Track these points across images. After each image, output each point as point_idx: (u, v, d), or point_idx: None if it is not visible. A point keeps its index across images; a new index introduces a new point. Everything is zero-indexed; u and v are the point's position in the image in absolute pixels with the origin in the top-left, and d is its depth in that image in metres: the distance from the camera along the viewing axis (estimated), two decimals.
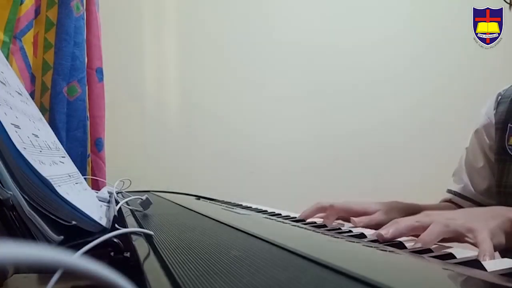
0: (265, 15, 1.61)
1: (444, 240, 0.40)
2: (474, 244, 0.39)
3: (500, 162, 0.72)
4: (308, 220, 0.60)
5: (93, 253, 0.24)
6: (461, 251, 0.36)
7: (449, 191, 0.82)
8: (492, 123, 0.75)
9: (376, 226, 0.57)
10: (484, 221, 0.42)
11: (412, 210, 0.65)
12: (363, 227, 0.56)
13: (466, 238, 0.39)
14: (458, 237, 0.40)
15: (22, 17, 0.90)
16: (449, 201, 0.81)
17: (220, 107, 1.54)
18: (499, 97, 0.76)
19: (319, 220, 0.61)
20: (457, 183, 0.81)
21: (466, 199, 0.79)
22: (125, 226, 0.36)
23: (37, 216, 0.28)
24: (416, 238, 0.41)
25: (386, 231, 0.41)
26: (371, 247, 0.33)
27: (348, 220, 0.61)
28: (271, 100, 1.59)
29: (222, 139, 1.53)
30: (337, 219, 0.63)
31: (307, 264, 0.22)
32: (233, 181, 1.50)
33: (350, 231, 0.47)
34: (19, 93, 0.42)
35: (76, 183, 0.42)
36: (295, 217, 0.63)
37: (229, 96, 1.56)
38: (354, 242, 0.35)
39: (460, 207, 0.80)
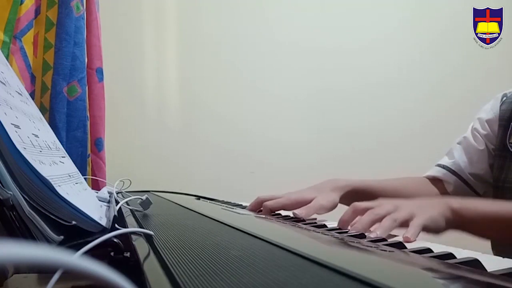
0: (265, 16, 1.61)
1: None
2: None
3: (500, 158, 0.73)
4: (309, 220, 0.61)
5: (93, 253, 0.24)
6: (461, 251, 0.36)
7: (439, 165, 0.83)
8: (496, 118, 0.77)
9: (318, 212, 0.62)
10: (426, 208, 0.50)
11: (352, 187, 0.69)
12: (305, 217, 0.59)
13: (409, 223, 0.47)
14: (404, 224, 0.48)
15: (22, 17, 0.90)
16: (433, 176, 0.82)
17: (220, 107, 1.54)
18: (504, 97, 0.78)
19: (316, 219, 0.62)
20: (449, 158, 0.82)
21: (454, 174, 0.80)
22: (125, 226, 0.36)
23: (37, 216, 0.28)
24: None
25: (356, 230, 0.47)
26: (371, 247, 0.33)
27: (288, 209, 0.65)
28: (271, 100, 1.59)
29: (222, 139, 1.53)
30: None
31: (307, 264, 0.22)
32: (233, 181, 1.50)
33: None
34: (19, 93, 0.42)
35: (76, 183, 0.42)
36: (295, 217, 0.63)
37: (229, 96, 1.56)
38: (354, 242, 0.35)
39: (440, 180, 0.81)
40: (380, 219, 0.48)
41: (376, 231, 0.45)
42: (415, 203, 0.52)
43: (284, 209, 0.65)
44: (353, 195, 0.68)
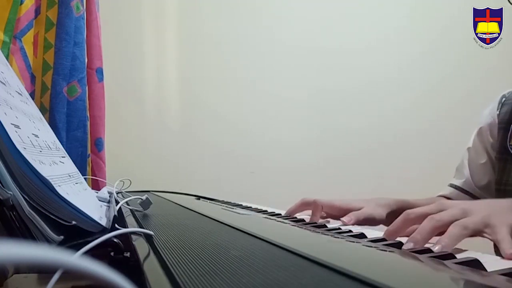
0: (265, 16, 1.61)
1: None
2: (493, 240, 0.38)
3: (501, 161, 0.73)
4: (308, 220, 0.61)
5: (93, 253, 0.24)
6: (461, 251, 0.36)
7: (450, 185, 0.84)
8: (496, 122, 0.77)
9: (365, 221, 0.59)
10: (503, 215, 0.39)
11: (397, 205, 0.66)
12: (353, 224, 0.57)
13: (484, 234, 0.38)
14: (476, 234, 0.38)
15: (22, 17, 0.90)
16: (446, 196, 0.83)
17: (220, 107, 1.54)
18: (503, 99, 0.78)
19: (306, 217, 0.62)
20: (459, 178, 0.83)
21: (466, 193, 0.81)
22: (125, 226, 0.36)
23: (37, 216, 0.28)
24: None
25: (415, 242, 0.37)
26: (371, 247, 0.33)
27: (332, 217, 0.63)
28: (271, 100, 1.59)
29: (222, 139, 1.53)
30: (323, 216, 0.65)
31: (307, 264, 0.22)
32: (233, 181, 1.50)
33: (350, 231, 0.47)
34: (19, 93, 0.42)
35: (76, 183, 0.42)
36: (295, 217, 0.63)
37: (229, 96, 1.56)
38: (354, 242, 0.35)
39: None
40: (445, 227, 0.38)
41: (441, 242, 0.36)
42: (489, 207, 0.41)
43: (330, 211, 0.64)
44: (397, 214, 0.66)
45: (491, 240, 0.38)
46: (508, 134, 0.73)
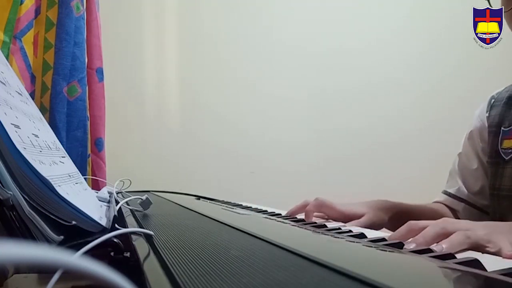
0: (265, 16, 1.61)
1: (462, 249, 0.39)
2: (495, 253, 0.38)
3: (493, 165, 0.72)
4: (308, 220, 0.61)
5: (93, 253, 0.24)
6: (461, 251, 0.36)
7: (444, 192, 0.83)
8: (485, 126, 0.76)
9: (371, 227, 0.59)
10: (505, 234, 0.41)
11: (398, 209, 0.67)
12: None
13: (486, 249, 0.39)
14: (478, 248, 0.39)
15: (22, 17, 0.90)
16: (442, 203, 0.82)
17: (220, 107, 1.54)
18: (492, 100, 0.77)
19: (318, 220, 0.62)
20: (452, 185, 0.82)
21: (460, 200, 0.80)
22: (125, 226, 0.36)
23: (37, 216, 0.28)
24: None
25: (417, 244, 0.39)
26: (371, 247, 0.33)
27: (332, 219, 0.63)
28: (271, 100, 1.59)
29: (222, 139, 1.53)
30: (324, 217, 0.65)
31: (307, 264, 0.22)
32: (233, 181, 1.50)
33: (350, 231, 0.47)
34: (19, 93, 0.42)
35: (76, 183, 0.42)
36: (295, 217, 0.63)
37: (229, 96, 1.56)
38: (354, 242, 0.35)
39: (452, 209, 0.81)
40: (448, 235, 0.39)
41: (442, 244, 0.37)
42: (492, 227, 0.43)
43: (330, 211, 0.64)
44: (398, 217, 0.66)
45: (492, 253, 0.39)
46: (498, 137, 0.72)
